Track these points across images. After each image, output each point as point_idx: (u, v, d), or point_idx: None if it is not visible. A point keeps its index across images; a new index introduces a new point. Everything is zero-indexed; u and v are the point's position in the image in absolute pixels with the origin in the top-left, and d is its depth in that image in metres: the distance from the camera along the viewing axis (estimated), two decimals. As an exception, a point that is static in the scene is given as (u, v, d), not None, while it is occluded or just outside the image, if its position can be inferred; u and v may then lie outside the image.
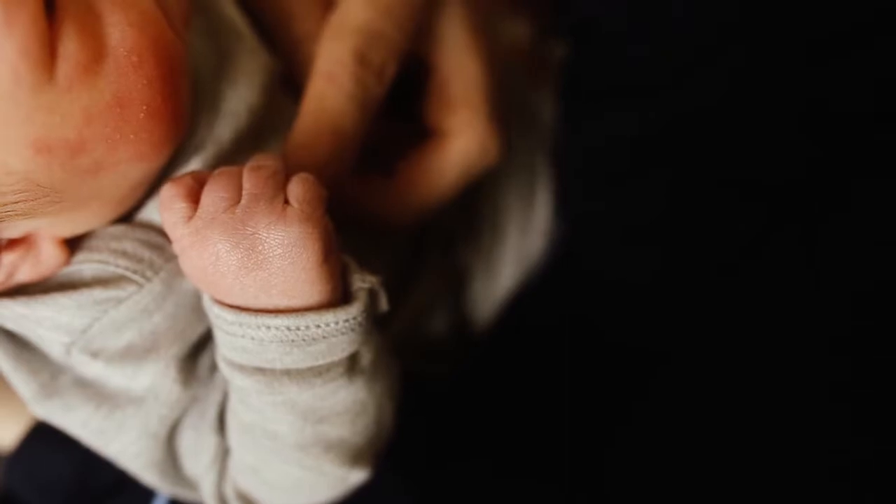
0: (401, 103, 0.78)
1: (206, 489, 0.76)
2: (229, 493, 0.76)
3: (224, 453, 0.75)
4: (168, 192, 0.64)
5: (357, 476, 0.73)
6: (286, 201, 0.63)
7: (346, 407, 0.70)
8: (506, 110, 0.81)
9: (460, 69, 0.79)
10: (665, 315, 0.89)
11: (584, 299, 0.93)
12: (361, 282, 0.67)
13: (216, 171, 0.64)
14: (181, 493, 0.78)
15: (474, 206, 0.91)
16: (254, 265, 0.63)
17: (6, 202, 0.63)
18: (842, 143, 0.84)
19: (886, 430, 0.82)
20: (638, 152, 0.91)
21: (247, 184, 0.63)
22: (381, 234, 0.68)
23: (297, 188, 0.63)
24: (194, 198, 0.63)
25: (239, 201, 0.63)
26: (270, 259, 0.63)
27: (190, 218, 0.63)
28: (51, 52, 0.59)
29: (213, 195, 0.63)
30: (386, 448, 0.75)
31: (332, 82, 0.71)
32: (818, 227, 0.85)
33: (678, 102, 0.88)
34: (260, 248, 0.62)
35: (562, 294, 0.94)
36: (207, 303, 0.67)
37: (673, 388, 0.88)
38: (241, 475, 0.74)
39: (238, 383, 0.68)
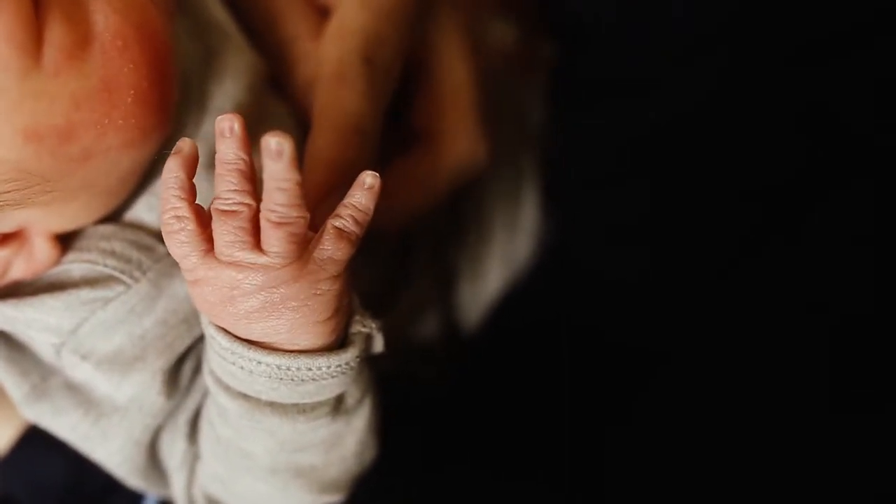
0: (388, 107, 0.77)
1: (177, 488, 0.76)
2: (198, 496, 0.75)
3: (193, 459, 0.74)
4: (172, 226, 0.60)
5: (326, 500, 0.73)
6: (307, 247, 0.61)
7: (322, 439, 0.69)
8: (491, 112, 0.81)
9: (448, 73, 0.79)
10: (662, 315, 0.89)
11: (579, 299, 0.93)
12: (361, 326, 0.66)
13: (220, 203, 0.60)
14: (168, 494, 0.77)
15: (459, 207, 0.91)
16: (266, 314, 0.62)
17: None
18: (841, 143, 0.84)
19: (886, 428, 0.81)
20: (632, 151, 0.91)
21: (271, 240, 0.59)
22: (369, 238, 0.68)
23: (328, 244, 0.61)
24: (201, 226, 0.60)
25: (255, 238, 0.60)
26: (283, 311, 0.62)
27: (205, 251, 0.61)
28: (37, 38, 0.59)
29: (228, 239, 0.60)
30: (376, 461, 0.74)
31: (345, 84, 0.71)
32: (817, 226, 0.84)
33: (674, 102, 0.88)
34: (276, 300, 0.62)
35: (558, 294, 0.93)
36: (204, 321, 0.66)
37: (671, 388, 0.88)
38: (210, 483, 0.74)
39: (220, 401, 0.67)
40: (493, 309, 0.94)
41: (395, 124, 0.79)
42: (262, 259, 0.60)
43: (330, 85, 0.71)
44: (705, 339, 0.87)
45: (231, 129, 0.59)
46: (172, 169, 0.60)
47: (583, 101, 0.93)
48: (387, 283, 0.84)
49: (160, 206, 0.68)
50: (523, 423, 0.90)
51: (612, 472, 0.87)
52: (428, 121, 0.79)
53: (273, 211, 0.59)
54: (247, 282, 0.61)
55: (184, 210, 0.60)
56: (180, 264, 0.63)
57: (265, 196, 0.59)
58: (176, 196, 0.60)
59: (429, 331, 0.91)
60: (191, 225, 0.60)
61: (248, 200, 0.59)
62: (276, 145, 0.57)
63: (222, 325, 0.64)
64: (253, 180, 0.60)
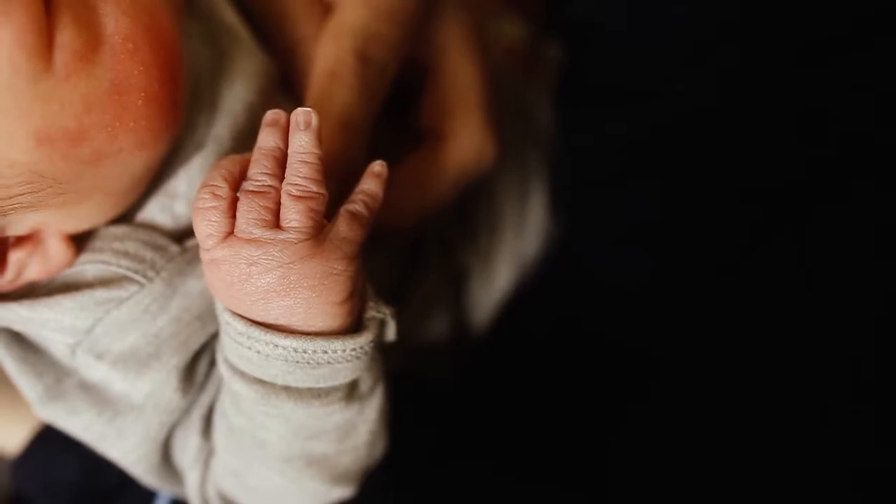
0: (396, 107, 0.78)
1: (190, 486, 0.76)
2: (211, 493, 0.76)
3: (207, 455, 0.75)
4: (206, 202, 0.63)
5: (339, 493, 0.73)
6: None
7: (336, 426, 0.70)
8: (499, 111, 0.81)
9: (456, 73, 0.80)
10: (664, 316, 0.89)
11: (582, 301, 0.93)
12: (375, 311, 0.67)
13: (250, 184, 0.63)
14: (181, 492, 0.78)
15: (470, 207, 0.92)
16: (283, 292, 0.63)
17: (11, 195, 0.63)
18: (841, 142, 0.84)
19: (883, 426, 0.81)
20: (635, 153, 0.91)
21: (290, 213, 0.62)
22: (378, 238, 0.69)
23: (343, 226, 0.63)
24: (231, 210, 0.63)
25: (277, 219, 0.62)
26: (299, 290, 0.63)
27: (227, 234, 0.63)
28: (47, 41, 0.60)
29: (251, 216, 0.62)
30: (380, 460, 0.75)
31: (337, 80, 0.72)
32: (817, 229, 0.84)
33: (676, 104, 0.88)
34: (293, 277, 0.63)
35: (561, 296, 0.94)
36: (219, 307, 0.67)
37: (673, 388, 0.88)
38: (223, 478, 0.74)
39: (235, 388, 0.68)
40: (501, 309, 0.94)
41: (403, 123, 0.80)
42: (281, 235, 0.62)
43: (322, 80, 0.72)
44: (707, 340, 0.87)
45: (277, 121, 0.63)
46: (233, 160, 0.65)
47: (586, 102, 0.93)
48: (397, 282, 0.85)
49: (172, 206, 0.71)
50: (525, 422, 0.90)
51: (613, 470, 0.87)
52: (435, 120, 0.80)
53: (295, 184, 0.62)
54: (265, 258, 0.62)
55: (224, 191, 0.63)
56: (201, 244, 0.64)
57: (288, 170, 0.62)
58: (222, 177, 0.64)
59: (438, 329, 0.91)
60: (224, 205, 0.63)
61: (277, 185, 0.63)
62: (304, 115, 0.62)
63: (239, 309, 0.65)
64: (283, 169, 0.63)
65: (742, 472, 0.83)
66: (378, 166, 0.66)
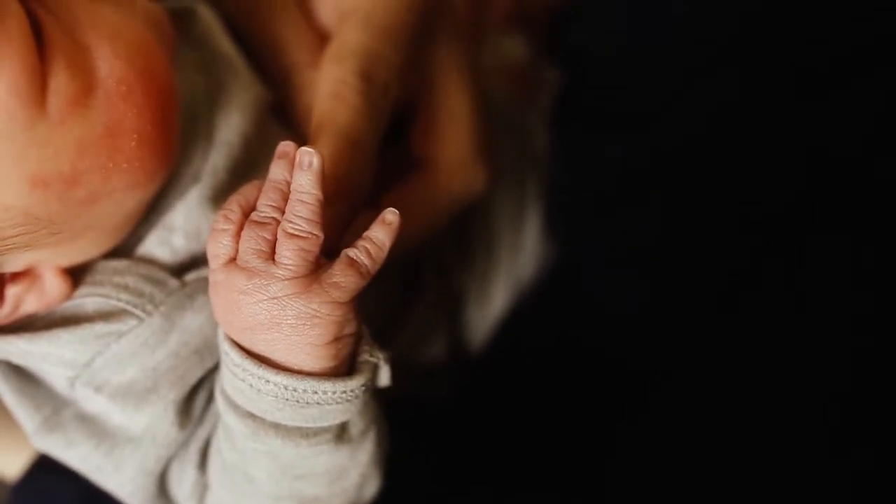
0: (390, 133, 0.78)
1: None
2: None
3: (203, 489, 0.75)
4: (219, 224, 0.64)
5: None
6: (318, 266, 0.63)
7: (327, 469, 0.70)
8: (495, 135, 0.81)
9: (449, 100, 0.79)
10: (663, 339, 0.89)
11: (579, 323, 0.93)
12: (369, 355, 0.67)
13: (256, 214, 0.64)
14: None
15: (467, 228, 0.92)
16: (266, 324, 0.63)
17: (5, 236, 0.63)
18: (840, 169, 0.84)
19: (884, 446, 0.82)
20: (632, 177, 0.91)
21: (282, 249, 0.62)
22: None
23: (338, 270, 0.63)
24: (240, 236, 0.64)
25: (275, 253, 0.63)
26: (281, 326, 0.63)
27: (231, 259, 0.64)
28: (41, 87, 0.60)
29: (250, 245, 0.63)
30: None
31: (340, 101, 0.71)
32: (815, 255, 0.84)
33: (674, 128, 0.88)
34: (275, 312, 0.63)
35: (558, 318, 0.94)
36: (221, 335, 0.67)
37: (671, 407, 0.88)
38: None
39: (229, 421, 0.68)
40: (497, 329, 0.95)
41: (395, 150, 0.80)
42: (272, 269, 0.62)
43: (326, 102, 0.72)
44: (706, 361, 0.87)
45: (286, 153, 0.64)
46: (254, 185, 0.65)
47: (584, 125, 0.93)
48: (392, 304, 0.85)
49: (171, 239, 0.71)
50: (523, 442, 0.90)
51: (612, 488, 0.87)
52: (426, 149, 0.79)
53: (290, 222, 0.62)
54: (253, 288, 0.63)
55: (236, 216, 0.64)
56: (210, 264, 0.65)
57: (287, 207, 0.62)
58: (237, 202, 0.64)
59: (435, 350, 0.91)
60: (234, 229, 0.64)
61: (280, 217, 0.63)
62: (307, 156, 0.62)
63: (232, 334, 0.66)
64: None
65: (739, 491, 0.83)
66: (390, 215, 0.65)
